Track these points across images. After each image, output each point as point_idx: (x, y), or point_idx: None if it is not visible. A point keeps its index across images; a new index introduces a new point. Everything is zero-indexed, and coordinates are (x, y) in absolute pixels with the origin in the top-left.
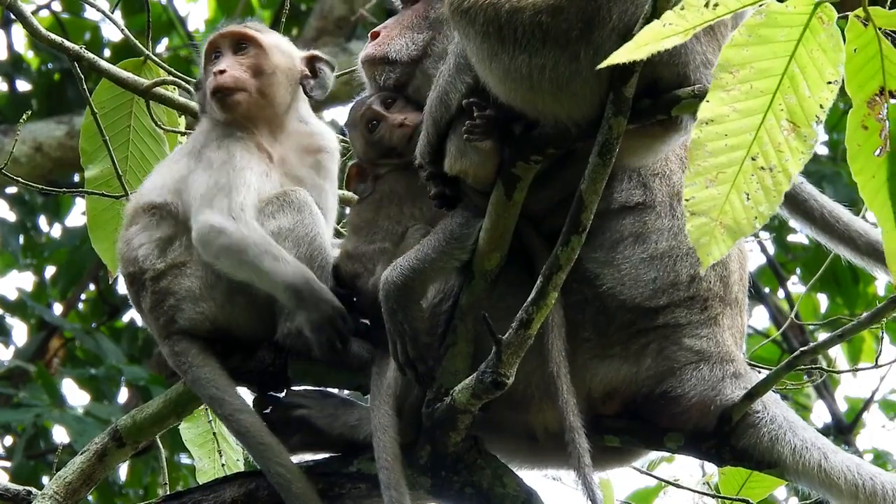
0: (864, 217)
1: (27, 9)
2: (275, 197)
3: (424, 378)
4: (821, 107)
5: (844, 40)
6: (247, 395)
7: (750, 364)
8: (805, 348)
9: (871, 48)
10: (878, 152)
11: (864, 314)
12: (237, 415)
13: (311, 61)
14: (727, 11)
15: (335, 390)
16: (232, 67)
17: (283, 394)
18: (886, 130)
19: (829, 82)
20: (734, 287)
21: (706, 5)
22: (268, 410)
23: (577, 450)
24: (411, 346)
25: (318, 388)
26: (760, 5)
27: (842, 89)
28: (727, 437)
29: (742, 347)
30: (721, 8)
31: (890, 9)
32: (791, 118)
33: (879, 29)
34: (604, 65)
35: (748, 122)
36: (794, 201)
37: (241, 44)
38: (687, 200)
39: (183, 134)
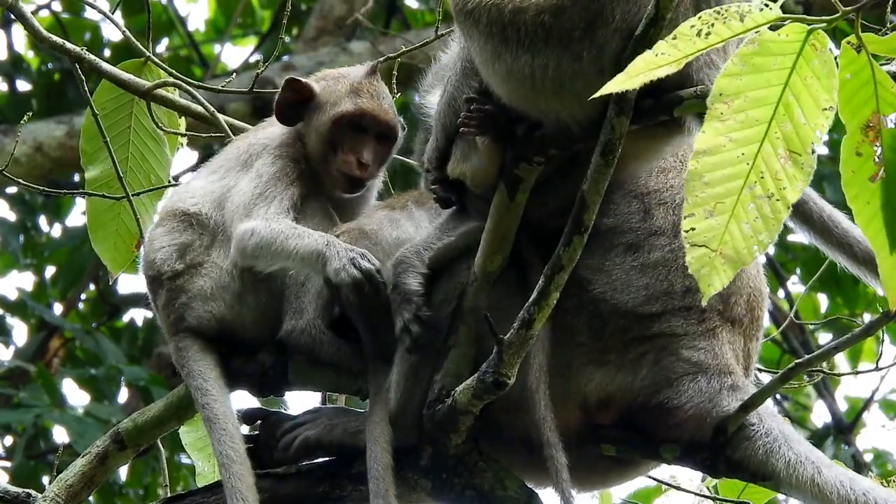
0: None
1: (28, 10)
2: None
3: (422, 344)
4: (817, 133)
5: (838, 65)
6: (248, 398)
7: None
8: (800, 360)
9: (864, 74)
10: (872, 179)
11: (864, 316)
12: (218, 421)
13: None
14: (719, 40)
15: (336, 394)
16: (373, 161)
17: (282, 395)
18: (880, 156)
19: (825, 108)
20: (736, 308)
21: (698, 34)
22: (255, 431)
23: (556, 465)
24: (406, 308)
25: (308, 410)
26: (755, 33)
27: None
28: (722, 449)
29: (751, 368)
30: (713, 37)
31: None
32: (788, 146)
33: (871, 55)
34: (596, 96)
35: (745, 151)
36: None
37: (385, 133)
38: (686, 232)
39: (183, 136)
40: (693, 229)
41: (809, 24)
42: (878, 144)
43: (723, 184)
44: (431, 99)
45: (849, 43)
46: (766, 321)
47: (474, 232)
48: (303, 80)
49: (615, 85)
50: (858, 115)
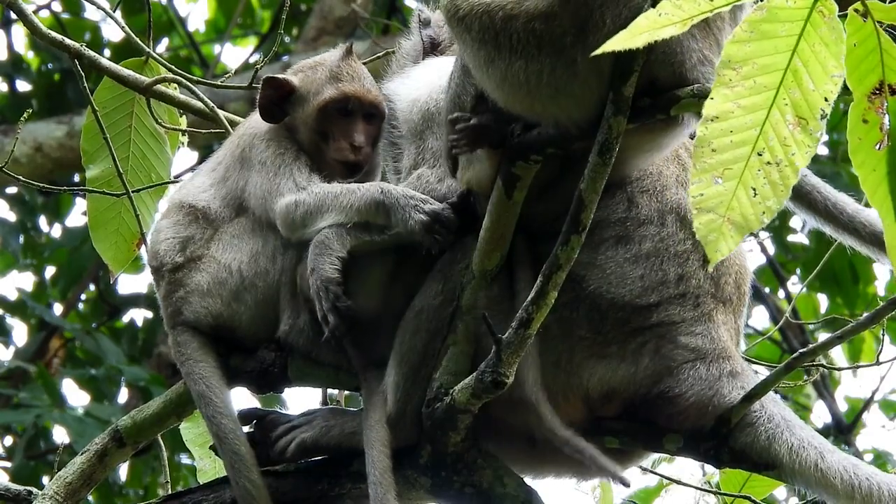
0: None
1: (28, 8)
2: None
3: (339, 336)
4: (825, 100)
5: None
6: (247, 395)
7: (748, 361)
8: (804, 350)
9: (871, 42)
10: (878, 146)
11: (864, 314)
12: (219, 418)
13: None
14: (725, 3)
15: (335, 391)
16: (365, 143)
17: (282, 392)
18: (886, 124)
19: (833, 75)
20: (726, 287)
21: None
22: (251, 429)
23: (583, 450)
24: (324, 297)
25: (304, 412)
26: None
27: (845, 88)
28: (725, 439)
29: (741, 343)
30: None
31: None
32: (796, 112)
33: (878, 23)
34: (600, 51)
35: (753, 117)
36: (798, 193)
37: (371, 113)
38: (694, 197)
39: (184, 132)
40: (701, 195)
41: None
42: (884, 112)
43: (731, 150)
44: (391, 86)
45: (855, 10)
46: (749, 296)
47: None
48: (280, 76)
49: (618, 42)
50: (865, 82)
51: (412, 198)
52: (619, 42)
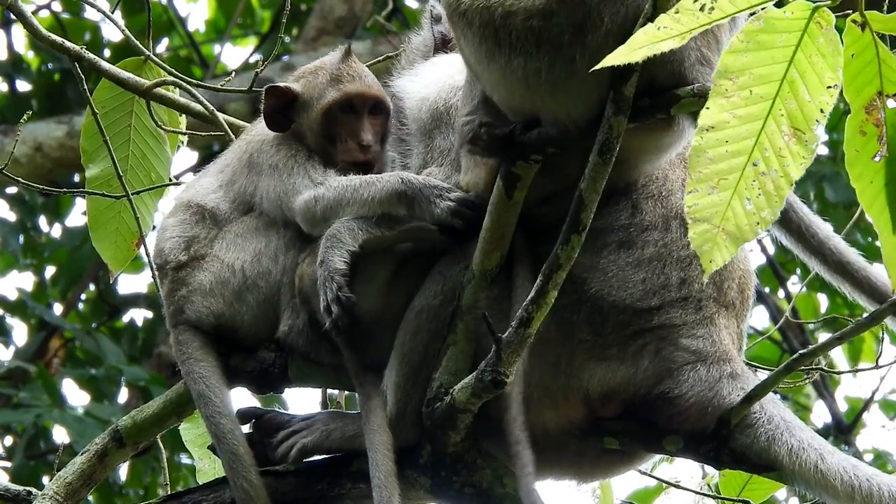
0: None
1: (28, 9)
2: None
3: (342, 327)
4: (821, 111)
5: (843, 44)
6: (247, 395)
7: (748, 364)
8: (804, 351)
9: (869, 53)
10: (876, 157)
11: (864, 315)
12: (217, 417)
13: None
14: (723, 16)
15: (335, 392)
16: (373, 141)
17: (282, 392)
18: (884, 135)
19: (829, 87)
20: (729, 292)
21: (701, 9)
22: (248, 429)
23: (521, 463)
24: (329, 287)
25: (303, 416)
26: (762, 9)
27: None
28: (725, 440)
29: (742, 351)
30: (717, 12)
31: (888, 12)
32: (792, 123)
33: (876, 33)
34: (598, 67)
35: (749, 127)
36: None
37: (376, 109)
38: (689, 207)
39: (184, 134)
40: (696, 205)
41: (815, 2)
42: (881, 123)
43: (726, 160)
44: (400, 83)
45: (853, 21)
46: (753, 299)
47: (416, 230)
48: (282, 84)
49: (617, 58)
50: (863, 93)
51: (435, 187)
52: (619, 57)
